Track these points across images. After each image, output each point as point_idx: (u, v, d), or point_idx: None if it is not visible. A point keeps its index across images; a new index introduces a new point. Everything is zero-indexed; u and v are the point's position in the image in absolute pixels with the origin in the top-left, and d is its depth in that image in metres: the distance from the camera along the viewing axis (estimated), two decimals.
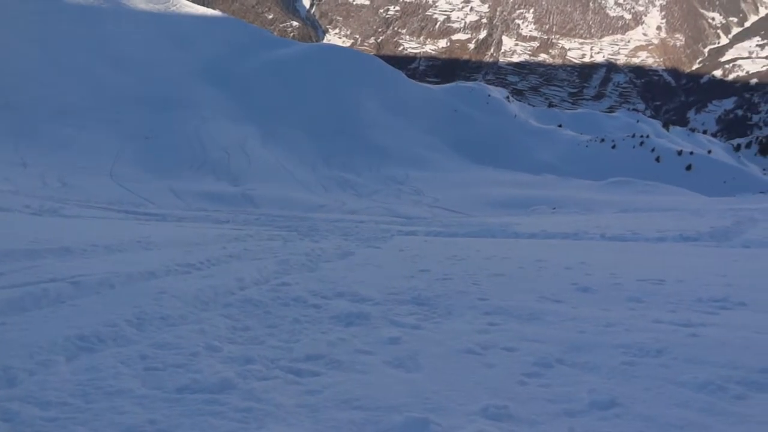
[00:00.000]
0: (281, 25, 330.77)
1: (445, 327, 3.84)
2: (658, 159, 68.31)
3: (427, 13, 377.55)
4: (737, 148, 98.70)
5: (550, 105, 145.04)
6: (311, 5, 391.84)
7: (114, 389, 2.52)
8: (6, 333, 3.20)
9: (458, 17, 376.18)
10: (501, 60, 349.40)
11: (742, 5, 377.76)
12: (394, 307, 4.42)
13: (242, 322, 3.83)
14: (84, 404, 2.37)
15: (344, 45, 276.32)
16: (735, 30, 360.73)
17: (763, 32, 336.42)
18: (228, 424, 2.24)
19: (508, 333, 3.65)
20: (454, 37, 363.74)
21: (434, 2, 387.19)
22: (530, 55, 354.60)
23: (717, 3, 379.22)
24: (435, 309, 4.40)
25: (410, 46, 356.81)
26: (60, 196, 23.75)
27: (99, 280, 4.71)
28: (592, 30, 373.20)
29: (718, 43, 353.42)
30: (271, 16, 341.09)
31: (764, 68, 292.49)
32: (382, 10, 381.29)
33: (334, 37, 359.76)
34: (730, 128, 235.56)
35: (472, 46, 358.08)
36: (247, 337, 3.49)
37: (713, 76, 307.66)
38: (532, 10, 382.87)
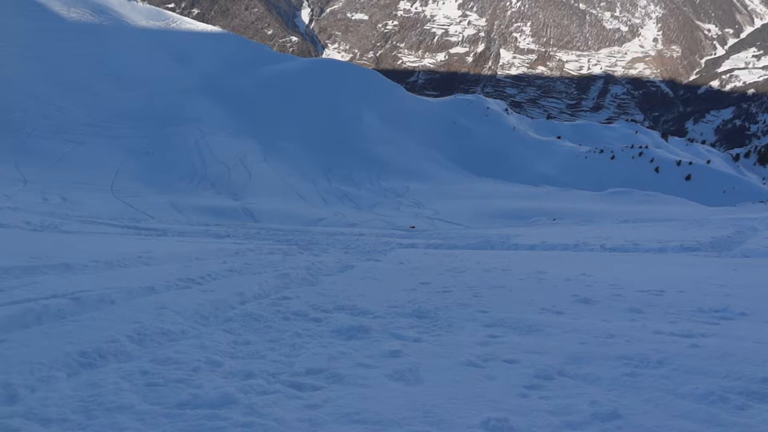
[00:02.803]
0: (281, 41, 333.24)
1: (445, 340, 3.84)
2: (657, 169, 68.49)
3: (425, 27, 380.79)
4: (736, 157, 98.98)
5: (549, 117, 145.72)
6: (310, 20, 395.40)
7: (115, 405, 2.52)
8: (7, 350, 3.19)
9: (456, 31, 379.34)
10: (499, 73, 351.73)
11: (738, 17, 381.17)
12: (395, 320, 4.42)
13: (243, 337, 3.83)
14: (85, 420, 2.37)
15: (343, 59, 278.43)
16: (731, 41, 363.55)
17: (758, 43, 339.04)
18: None
19: (508, 345, 3.64)
20: (453, 50, 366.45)
21: (432, 16, 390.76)
22: (528, 68, 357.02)
23: (712, 14, 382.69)
24: (435, 322, 4.40)
25: (409, 59, 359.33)
26: (60, 212, 23.77)
27: (100, 295, 4.71)
28: (589, 42, 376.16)
29: (715, 54, 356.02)
30: (270, 32, 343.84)
31: (761, 78, 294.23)
32: (380, 25, 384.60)
33: (333, 52, 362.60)
34: (729, 138, 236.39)
35: (470, 59, 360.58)
36: (247, 352, 3.49)
37: (710, 86, 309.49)
38: (529, 24, 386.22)
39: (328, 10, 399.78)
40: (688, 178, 65.60)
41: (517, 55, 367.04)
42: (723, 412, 2.48)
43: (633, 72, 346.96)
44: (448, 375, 3.07)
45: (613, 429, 2.35)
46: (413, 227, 32.51)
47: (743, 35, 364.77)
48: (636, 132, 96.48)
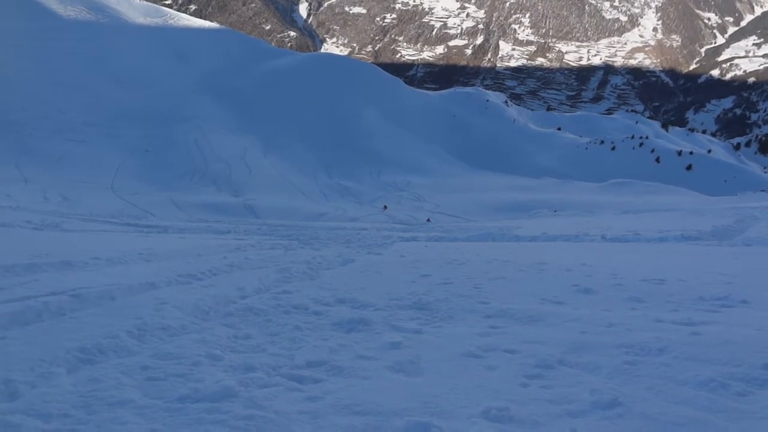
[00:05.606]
0: (279, 36, 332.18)
1: (446, 331, 3.83)
2: (658, 159, 68.37)
3: (423, 20, 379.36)
4: (737, 146, 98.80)
5: (549, 108, 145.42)
6: (308, 15, 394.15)
7: (115, 400, 2.52)
8: (7, 346, 3.20)
9: (455, 23, 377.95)
10: (498, 65, 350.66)
11: (738, 5, 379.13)
12: (395, 313, 4.41)
13: (243, 331, 3.83)
14: (85, 416, 2.37)
15: (342, 53, 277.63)
16: (731, 29, 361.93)
17: (759, 31, 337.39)
18: None
19: (509, 336, 3.64)
20: (451, 43, 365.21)
21: (430, 9, 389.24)
22: (527, 60, 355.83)
23: (712, 3, 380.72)
24: (436, 313, 4.40)
25: (407, 53, 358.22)
26: (61, 211, 23.80)
27: (100, 292, 4.71)
28: (589, 33, 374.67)
29: (715, 42, 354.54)
30: (268, 27, 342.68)
31: (761, 67, 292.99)
32: (378, 18, 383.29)
33: (331, 46, 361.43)
34: (729, 127, 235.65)
35: (469, 51, 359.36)
36: (248, 346, 3.49)
37: (711, 75, 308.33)
38: (528, 15, 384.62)
39: (325, 4, 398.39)
40: (689, 168, 65.49)
41: (517, 47, 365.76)
42: (724, 398, 2.47)
43: (633, 62, 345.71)
44: (449, 366, 3.07)
45: (614, 417, 2.35)
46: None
47: (743, 23, 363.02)
48: (636, 122, 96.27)
